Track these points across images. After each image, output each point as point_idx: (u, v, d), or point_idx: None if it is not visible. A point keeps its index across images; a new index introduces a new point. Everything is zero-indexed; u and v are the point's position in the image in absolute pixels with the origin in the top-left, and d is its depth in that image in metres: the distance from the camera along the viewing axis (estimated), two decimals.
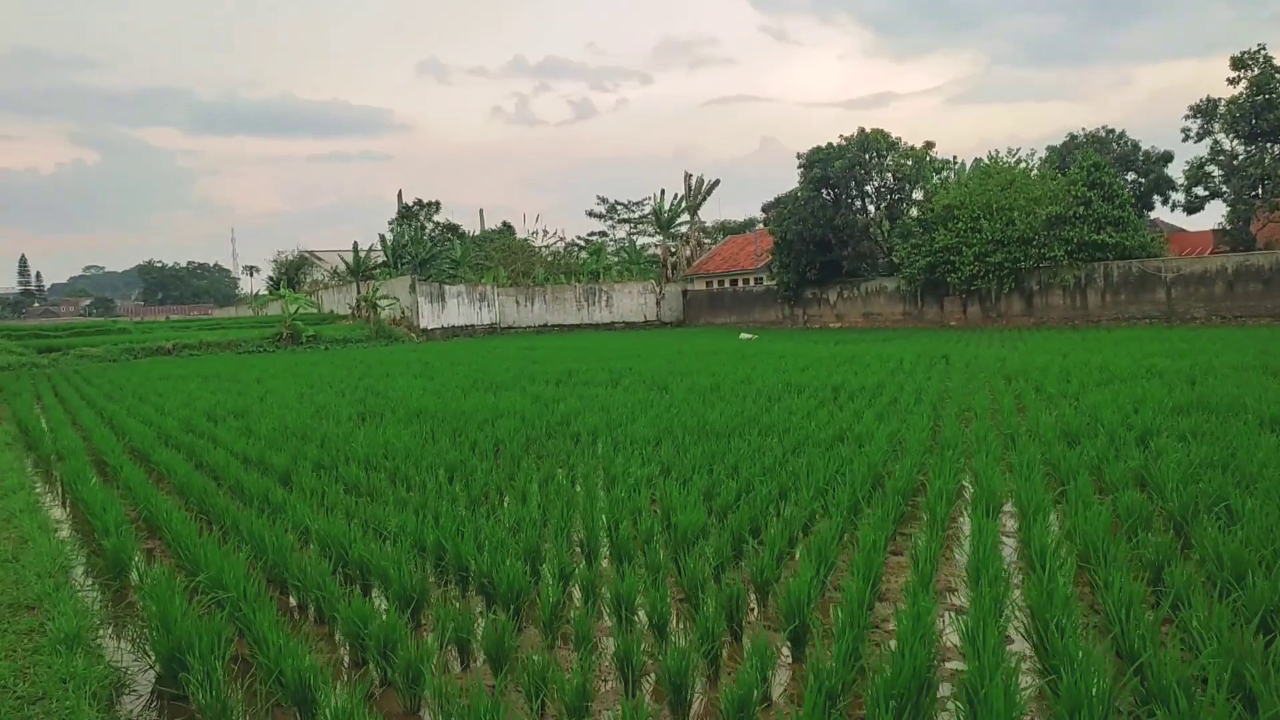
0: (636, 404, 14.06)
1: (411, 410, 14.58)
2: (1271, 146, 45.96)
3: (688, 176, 59.71)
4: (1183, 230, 50.42)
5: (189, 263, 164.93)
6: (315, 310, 52.13)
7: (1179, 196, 51.14)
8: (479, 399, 16.03)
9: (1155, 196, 49.79)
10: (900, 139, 41.75)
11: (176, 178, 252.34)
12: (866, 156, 41.31)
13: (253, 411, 15.29)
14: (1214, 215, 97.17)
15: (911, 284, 39.50)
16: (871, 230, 42.49)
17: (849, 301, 44.20)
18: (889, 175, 41.90)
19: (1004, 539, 6.50)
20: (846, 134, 42.69)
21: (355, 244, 51.67)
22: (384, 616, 5.11)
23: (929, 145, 41.70)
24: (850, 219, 42.08)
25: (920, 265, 37.89)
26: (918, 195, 41.51)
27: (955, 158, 45.98)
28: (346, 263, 53.18)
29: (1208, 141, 47.76)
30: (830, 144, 42.75)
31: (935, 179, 41.73)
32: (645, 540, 6.46)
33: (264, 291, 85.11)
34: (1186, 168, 50.99)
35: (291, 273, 73.18)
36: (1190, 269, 31.95)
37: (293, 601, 6.17)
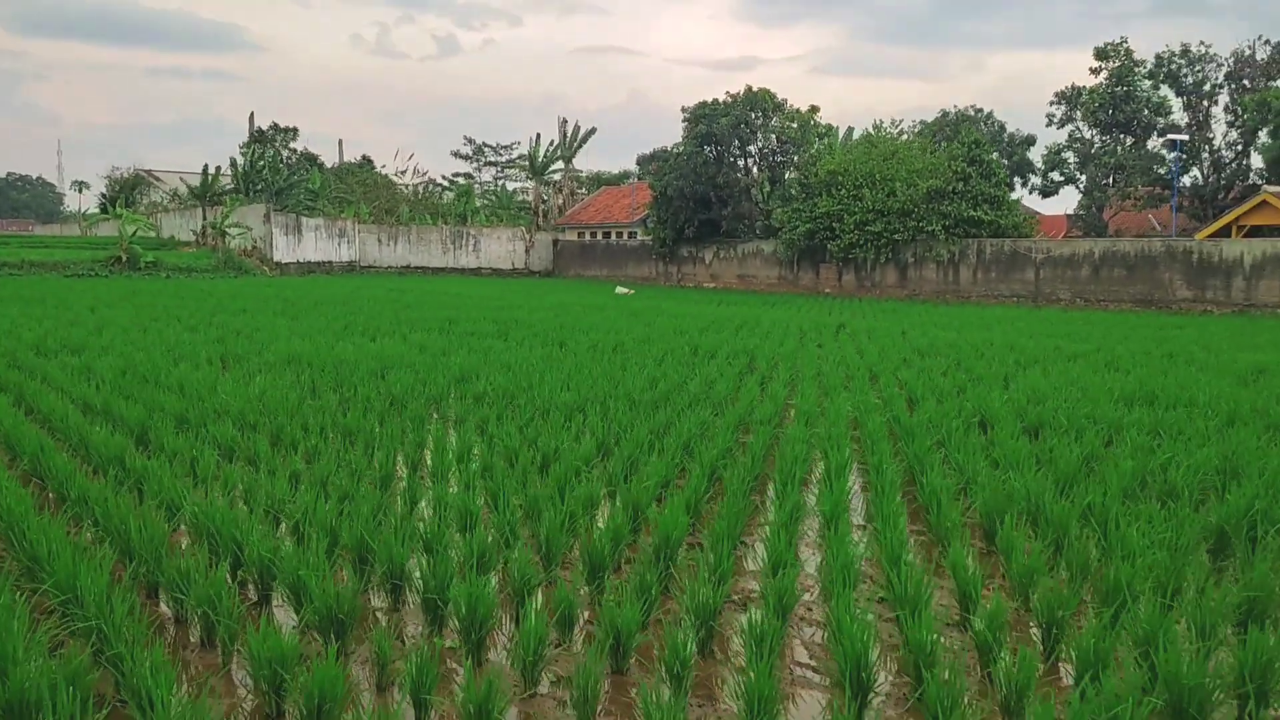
0: (538, 361, 12.82)
1: (282, 355, 12.90)
2: (1124, 137, 47.97)
3: (562, 122, 57.78)
4: (1038, 213, 52.12)
5: (8, 174, 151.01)
6: (155, 234, 48.01)
7: (1037, 180, 53.06)
8: (358, 345, 14.45)
9: (1016, 179, 51.22)
10: (786, 100, 41.26)
11: None
12: (752, 115, 40.61)
13: (90, 346, 13.25)
14: (1066, 200, 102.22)
15: (790, 249, 39.23)
16: (753, 191, 41.96)
17: (725, 262, 43.71)
18: (773, 137, 41.35)
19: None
20: (733, 91, 41.90)
21: (205, 166, 47.67)
22: (307, 649, 3.84)
23: (814, 109, 41.35)
24: (732, 178, 41.40)
25: (801, 230, 37.60)
26: (799, 160, 41.12)
27: (833, 126, 45.88)
28: (190, 186, 49.12)
29: (1068, 128, 49.68)
30: (716, 100, 41.83)
31: (817, 144, 41.46)
32: (619, 550, 5.33)
33: (95, 210, 78.40)
34: (1045, 153, 52.87)
35: (127, 192, 67.44)
36: (1059, 251, 32.73)
37: (166, 610, 4.77)
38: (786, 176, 41.22)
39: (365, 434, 8.12)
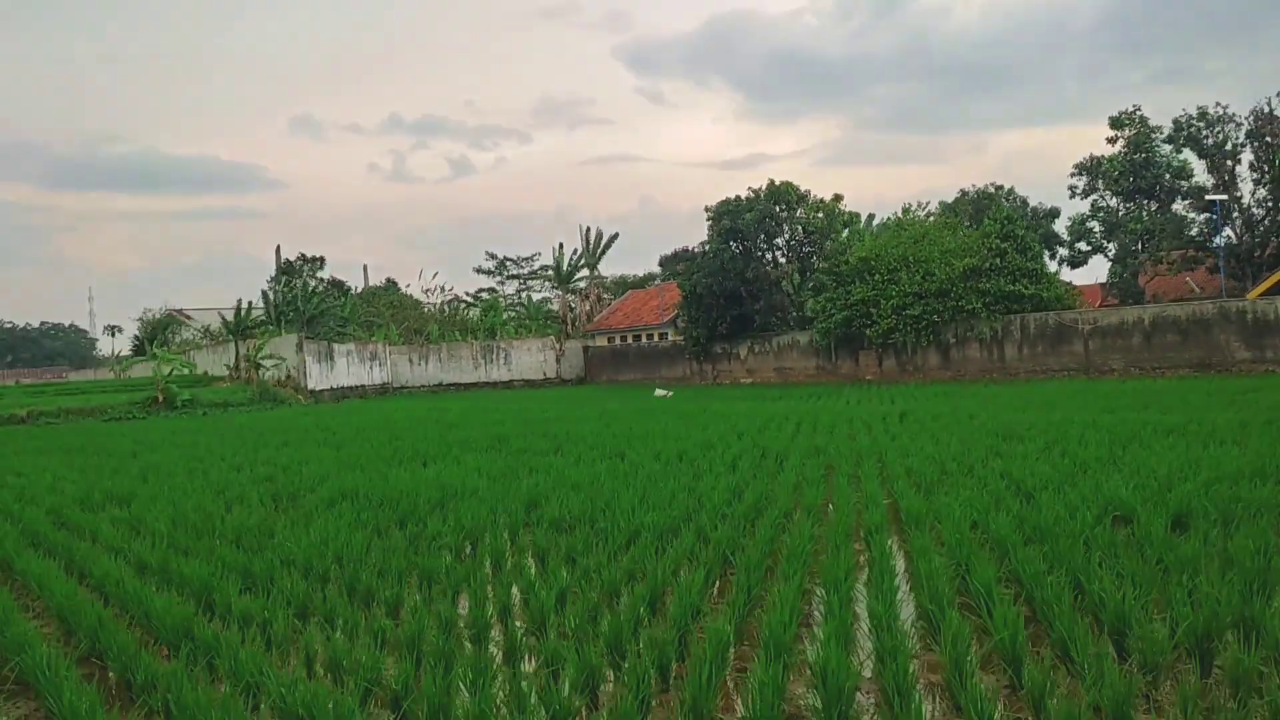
0: (605, 477, 12.12)
1: (336, 490, 12.25)
2: (1148, 203, 47.63)
3: (585, 230, 58.26)
4: (1070, 284, 51.52)
5: (41, 323, 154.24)
6: (189, 371, 48.20)
7: (1064, 251, 52.60)
8: (412, 473, 13.81)
9: (1044, 251, 50.79)
10: (810, 191, 41.26)
11: (28, 235, 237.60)
12: (777, 209, 40.60)
13: (138, 496, 12.66)
14: (1095, 270, 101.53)
15: (826, 337, 38.68)
16: (783, 283, 41.65)
17: (760, 356, 43.15)
18: (799, 228, 41.24)
19: None
20: (755, 186, 41.98)
21: (239, 300, 48.13)
22: None
23: (838, 198, 41.32)
24: (761, 271, 41.16)
25: (837, 319, 37.10)
26: (827, 248, 40.89)
27: (857, 213, 45.84)
28: (226, 320, 49.46)
29: (1092, 199, 49.41)
30: (739, 196, 41.94)
31: (845, 232, 41.30)
32: None
33: (128, 353, 79.39)
34: (1069, 224, 52.57)
35: (159, 332, 68.30)
36: (1107, 321, 31.95)
37: None
38: (816, 266, 40.94)
39: (444, 576, 7.42)
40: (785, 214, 40.94)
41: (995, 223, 35.18)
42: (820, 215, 40.63)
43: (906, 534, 7.97)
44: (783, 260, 42.40)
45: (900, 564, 6.93)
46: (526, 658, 5.73)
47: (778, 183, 41.22)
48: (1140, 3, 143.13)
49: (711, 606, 6.49)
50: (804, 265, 41.81)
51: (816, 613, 6.28)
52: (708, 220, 42.75)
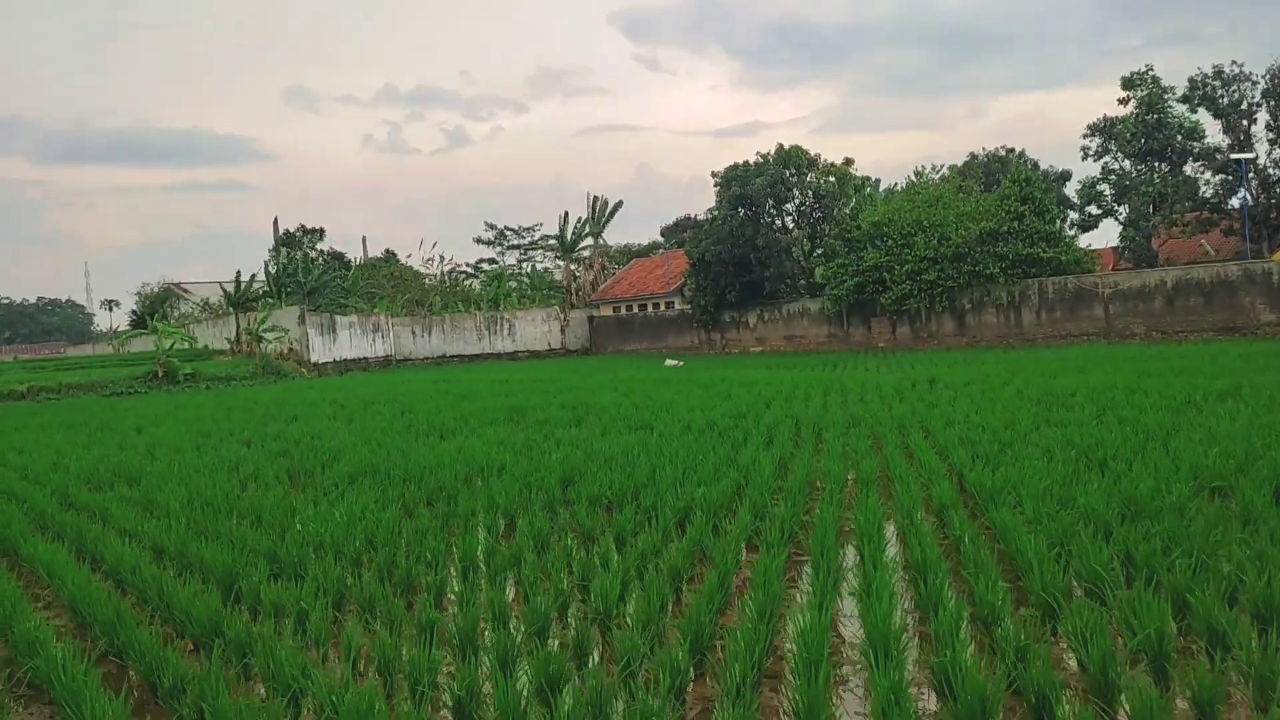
0: (637, 450, 11.54)
1: (354, 466, 11.66)
2: (1160, 165, 46.79)
3: (591, 198, 57.32)
4: (1089, 248, 50.80)
5: (38, 298, 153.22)
6: (189, 345, 47.50)
7: (1074, 215, 51.80)
8: (432, 448, 13.24)
9: (1061, 214, 49.98)
10: (820, 155, 40.42)
11: (23, 210, 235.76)
12: (786, 173, 39.77)
13: (148, 474, 12.07)
14: (1106, 233, 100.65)
15: (837, 304, 38.03)
16: (794, 250, 40.92)
17: (770, 324, 42.50)
18: (810, 193, 40.43)
19: None
20: (764, 151, 41.16)
21: (238, 272, 47.22)
22: None
23: (849, 162, 40.48)
24: (771, 238, 40.38)
25: (849, 285, 36.43)
26: (838, 213, 40.12)
27: (869, 177, 45.04)
28: (227, 292, 48.67)
29: (1104, 160, 48.52)
30: (747, 162, 41.09)
31: (855, 197, 40.50)
32: None
33: (126, 327, 78.56)
34: (1079, 187, 51.73)
35: (157, 306, 67.46)
36: (1129, 284, 31.30)
37: None
38: (827, 232, 40.20)
39: (486, 560, 6.86)
40: (795, 179, 40.12)
41: (1014, 184, 34.41)
42: (831, 180, 39.82)
43: (983, 510, 7.38)
44: (792, 226, 41.63)
45: (986, 546, 6.34)
46: (594, 654, 5.16)
47: (787, 146, 40.37)
48: None
49: (787, 591, 5.92)
50: (814, 231, 41.05)
51: (907, 602, 5.70)
52: (715, 186, 41.95)
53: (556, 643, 5.35)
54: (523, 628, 5.43)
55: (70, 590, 6.51)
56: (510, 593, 6.37)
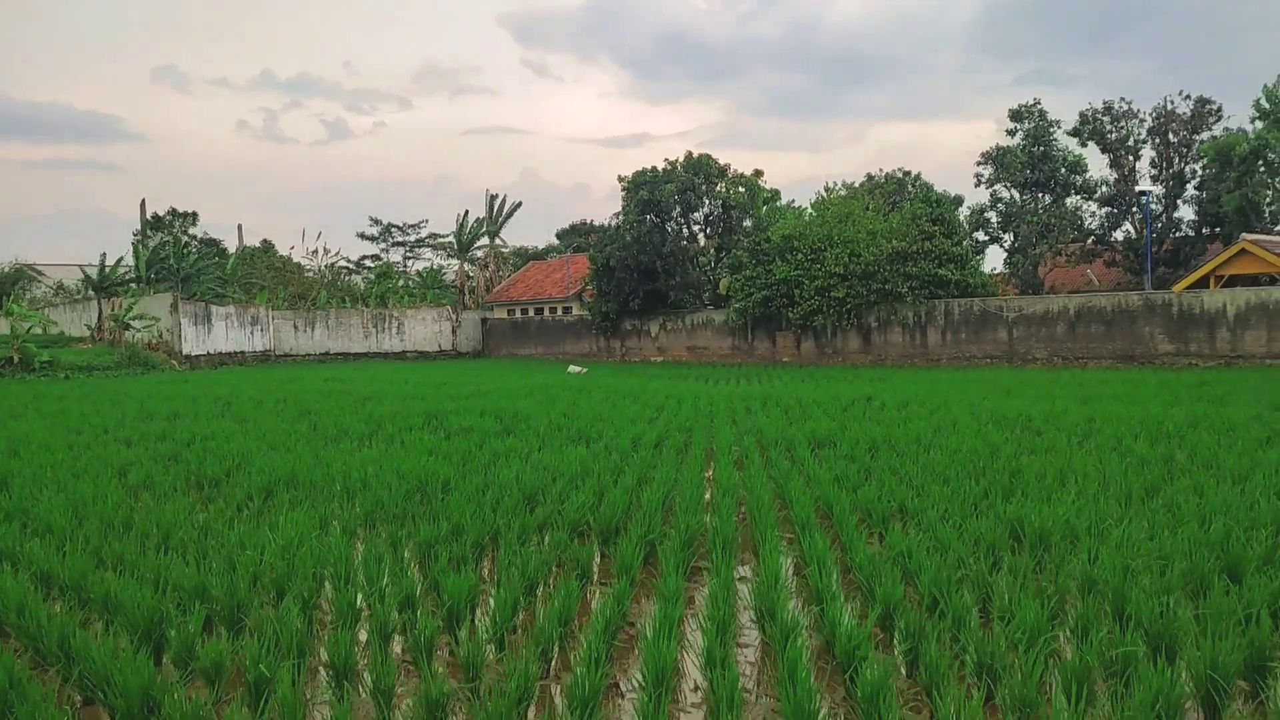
0: (599, 467, 10.38)
1: (267, 475, 10.09)
2: (1043, 196, 48.25)
3: (490, 196, 55.49)
4: (994, 270, 51.93)
5: None
6: (43, 331, 43.66)
7: (966, 241, 52.99)
8: (351, 455, 11.79)
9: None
10: (729, 165, 39.91)
11: None
12: (697, 181, 39.10)
13: (16, 476, 10.22)
14: (990, 260, 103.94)
15: (743, 317, 37.50)
16: (700, 260, 40.25)
17: (673, 334, 41.72)
18: (719, 203, 39.86)
19: None
20: (672, 158, 40.40)
21: (104, 255, 43.55)
22: None
23: (758, 173, 40.10)
24: (679, 246, 39.61)
25: (756, 298, 35.91)
26: (748, 225, 39.66)
27: (778, 190, 44.82)
28: (89, 275, 44.95)
29: (994, 189, 49.75)
30: (655, 168, 40.27)
31: (764, 209, 40.14)
32: None
33: None
34: (968, 213, 52.99)
35: (8, 287, 62.24)
36: (1033, 309, 31.69)
37: None
38: (735, 242, 39.70)
39: (475, 602, 5.61)
40: (705, 187, 39.49)
41: (926, 205, 34.55)
42: (741, 190, 39.33)
43: (1052, 554, 6.50)
44: (700, 236, 41.00)
45: (1079, 601, 5.44)
46: None
47: (696, 154, 39.73)
48: (1011, 6, 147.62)
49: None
50: (722, 241, 40.50)
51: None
52: (623, 190, 40.93)
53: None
54: (569, 716, 4.21)
55: None
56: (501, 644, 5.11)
